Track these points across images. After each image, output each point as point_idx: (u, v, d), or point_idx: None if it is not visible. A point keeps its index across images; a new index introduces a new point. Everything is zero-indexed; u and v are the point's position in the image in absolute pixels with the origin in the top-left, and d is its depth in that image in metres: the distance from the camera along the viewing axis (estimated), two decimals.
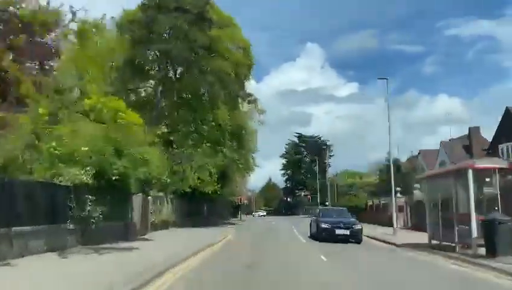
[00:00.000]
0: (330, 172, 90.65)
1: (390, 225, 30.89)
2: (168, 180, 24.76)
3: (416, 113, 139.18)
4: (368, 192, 47.96)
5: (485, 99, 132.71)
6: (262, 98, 50.79)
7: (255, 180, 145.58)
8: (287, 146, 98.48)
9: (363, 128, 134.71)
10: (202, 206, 38.95)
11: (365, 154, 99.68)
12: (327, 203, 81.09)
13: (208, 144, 28.53)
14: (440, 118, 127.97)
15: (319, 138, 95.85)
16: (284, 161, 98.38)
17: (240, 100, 35.03)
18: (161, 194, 24.78)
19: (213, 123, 29.55)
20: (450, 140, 50.07)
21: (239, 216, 64.80)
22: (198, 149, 26.55)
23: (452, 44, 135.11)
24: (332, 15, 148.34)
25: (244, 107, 39.26)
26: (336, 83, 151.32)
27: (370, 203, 37.94)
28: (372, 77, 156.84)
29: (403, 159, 62.23)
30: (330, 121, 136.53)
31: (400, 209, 30.57)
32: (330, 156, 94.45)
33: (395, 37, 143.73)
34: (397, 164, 45.34)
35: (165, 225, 25.25)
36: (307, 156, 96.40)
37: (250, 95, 30.94)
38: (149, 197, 22.37)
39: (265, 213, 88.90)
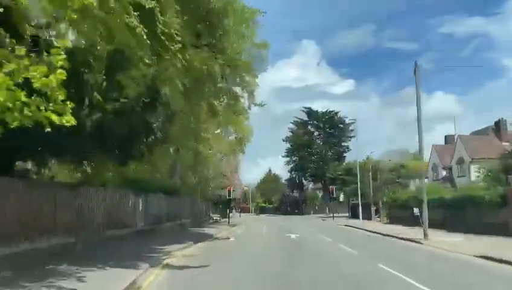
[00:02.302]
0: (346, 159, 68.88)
1: None
2: None
3: (412, 111, 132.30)
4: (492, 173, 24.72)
5: (480, 97, 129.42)
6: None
7: (253, 179, 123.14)
8: (292, 125, 74.36)
9: (358, 125, 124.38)
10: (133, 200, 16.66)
11: (361, 152, 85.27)
12: (340, 199, 59.18)
13: None
14: (436, 115, 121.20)
15: (335, 114, 72.17)
16: (288, 145, 73.75)
17: None
18: None
19: None
20: None
21: (228, 217, 42.40)
22: None
23: (446, 41, 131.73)
24: (328, 12, 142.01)
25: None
26: (331, 80, 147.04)
27: None
28: (367, 75, 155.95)
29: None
30: None
31: None
32: (350, 137, 71.57)
33: (390, 34, 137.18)
34: None
35: None
36: (318, 137, 73.15)
37: None
38: None
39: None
